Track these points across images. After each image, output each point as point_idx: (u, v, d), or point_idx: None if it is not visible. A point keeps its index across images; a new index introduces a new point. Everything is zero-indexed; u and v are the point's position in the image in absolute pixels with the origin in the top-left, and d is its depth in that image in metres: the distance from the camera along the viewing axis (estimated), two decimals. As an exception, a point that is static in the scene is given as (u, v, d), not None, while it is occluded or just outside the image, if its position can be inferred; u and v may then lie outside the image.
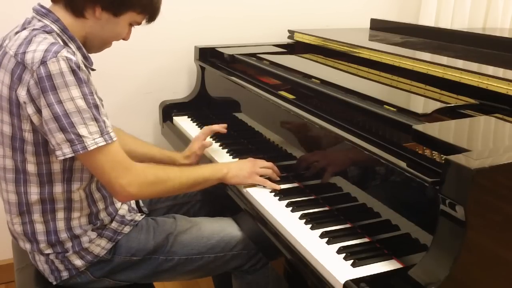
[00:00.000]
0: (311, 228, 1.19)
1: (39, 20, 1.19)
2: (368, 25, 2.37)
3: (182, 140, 1.91)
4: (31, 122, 1.13)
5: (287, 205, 1.30)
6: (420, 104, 1.34)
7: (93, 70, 1.27)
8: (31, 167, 1.18)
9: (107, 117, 1.20)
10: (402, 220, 1.07)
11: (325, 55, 1.95)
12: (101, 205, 1.30)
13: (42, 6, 1.21)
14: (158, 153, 1.62)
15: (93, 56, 1.30)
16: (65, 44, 1.18)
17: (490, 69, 1.44)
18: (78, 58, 1.15)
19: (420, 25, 2.43)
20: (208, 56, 2.10)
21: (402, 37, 2.06)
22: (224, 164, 1.45)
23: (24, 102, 1.10)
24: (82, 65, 1.13)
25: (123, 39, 1.32)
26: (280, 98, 1.54)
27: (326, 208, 1.29)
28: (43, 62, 1.07)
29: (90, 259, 1.29)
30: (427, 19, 2.52)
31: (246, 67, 1.86)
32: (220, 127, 1.68)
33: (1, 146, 1.20)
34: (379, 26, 2.30)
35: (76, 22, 1.22)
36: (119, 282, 1.36)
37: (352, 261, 1.04)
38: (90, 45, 1.27)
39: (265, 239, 1.26)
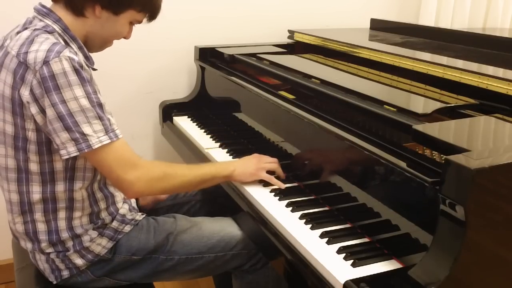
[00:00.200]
0: (311, 228, 1.19)
1: (41, 20, 1.19)
2: (368, 25, 2.37)
3: (182, 140, 1.91)
4: (35, 121, 1.13)
5: (287, 205, 1.30)
6: (420, 104, 1.34)
7: (94, 70, 1.27)
8: (33, 166, 1.19)
9: (112, 115, 1.20)
10: (402, 220, 1.07)
11: (325, 55, 1.95)
12: (102, 205, 1.31)
13: (43, 6, 1.21)
14: None
15: (93, 56, 1.30)
16: (67, 44, 1.18)
17: (490, 69, 1.44)
18: (80, 58, 1.15)
19: (420, 25, 2.43)
20: (208, 56, 2.10)
21: (402, 37, 2.06)
22: (230, 162, 1.46)
23: (28, 102, 1.11)
24: (84, 65, 1.13)
25: (124, 37, 1.32)
26: (280, 98, 1.54)
27: (326, 208, 1.29)
28: (45, 62, 1.07)
29: (90, 258, 1.29)
30: (427, 19, 2.52)
31: (246, 67, 1.86)
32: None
33: (3, 146, 1.20)
34: (379, 26, 2.30)
35: (77, 21, 1.22)
36: (119, 282, 1.36)
37: (352, 261, 1.04)
38: (91, 44, 1.27)
39: (265, 239, 1.26)
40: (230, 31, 2.25)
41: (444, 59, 1.57)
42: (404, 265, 1.03)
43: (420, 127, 1.04)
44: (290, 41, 2.23)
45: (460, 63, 1.53)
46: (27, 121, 1.14)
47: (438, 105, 1.24)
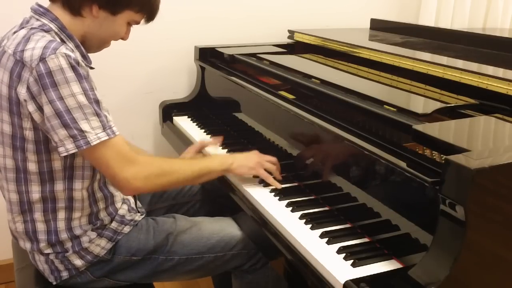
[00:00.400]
0: (311, 228, 1.19)
1: (37, 19, 1.19)
2: (368, 25, 2.37)
3: (182, 140, 1.91)
4: (32, 120, 1.13)
5: (287, 205, 1.30)
6: (420, 104, 1.34)
7: (91, 68, 1.27)
8: (32, 166, 1.18)
9: (109, 112, 1.20)
10: (402, 220, 1.07)
11: (325, 55, 1.95)
12: (101, 205, 1.30)
13: (40, 6, 1.21)
14: None
15: (93, 56, 1.30)
16: (63, 42, 1.18)
17: (490, 69, 1.44)
18: (76, 55, 1.15)
19: (420, 25, 2.43)
20: (208, 56, 2.10)
21: (402, 37, 2.06)
22: (229, 155, 1.45)
23: (25, 100, 1.11)
24: (81, 62, 1.13)
25: (122, 38, 1.32)
26: (280, 98, 1.54)
27: (326, 208, 1.29)
28: (42, 59, 1.07)
29: (90, 259, 1.29)
30: (427, 19, 2.52)
31: (246, 67, 1.86)
32: (212, 141, 1.67)
33: (1, 146, 1.20)
34: (379, 26, 2.30)
35: (74, 21, 1.22)
36: (119, 282, 1.36)
37: (352, 261, 1.04)
38: (88, 44, 1.27)
39: (265, 239, 1.26)
40: (230, 31, 2.25)
41: (444, 59, 1.57)
42: (404, 265, 1.03)
43: (420, 127, 1.04)
44: (290, 41, 2.23)
45: (460, 63, 1.53)
46: (24, 120, 1.14)
47: (438, 105, 1.24)
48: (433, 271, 0.90)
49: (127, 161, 1.17)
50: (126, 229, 1.34)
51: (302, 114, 1.40)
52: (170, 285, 2.19)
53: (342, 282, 0.98)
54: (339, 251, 1.08)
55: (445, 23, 2.56)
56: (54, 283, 1.32)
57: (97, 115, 1.12)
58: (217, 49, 2.04)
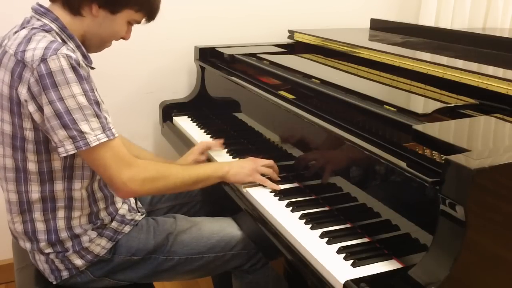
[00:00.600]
0: (311, 228, 1.19)
1: (38, 19, 1.19)
2: (368, 25, 2.37)
3: (182, 140, 1.91)
4: (32, 120, 1.13)
5: (287, 205, 1.30)
6: (420, 104, 1.34)
7: (92, 68, 1.27)
8: (31, 166, 1.19)
9: (108, 114, 1.20)
10: (402, 220, 1.07)
11: (325, 55, 1.95)
12: (101, 205, 1.30)
13: (40, 5, 1.21)
14: (150, 159, 1.61)
15: (93, 56, 1.30)
16: (64, 42, 1.18)
17: (490, 69, 1.44)
18: (77, 56, 1.15)
19: (420, 25, 2.43)
20: (208, 56, 2.10)
21: (402, 37, 2.06)
22: (226, 162, 1.46)
23: (25, 100, 1.11)
24: (81, 62, 1.13)
25: (123, 38, 1.32)
26: (280, 98, 1.54)
27: (326, 208, 1.29)
28: (43, 59, 1.08)
29: (90, 258, 1.29)
30: (427, 19, 2.52)
31: (246, 67, 1.86)
32: (217, 143, 1.67)
33: (1, 146, 1.20)
34: (379, 26, 2.30)
35: (74, 21, 1.22)
36: (119, 282, 1.36)
37: (352, 261, 1.04)
38: (89, 44, 1.27)
39: (265, 239, 1.26)
40: (230, 31, 2.25)
41: (444, 59, 1.57)
42: (404, 265, 1.03)
43: (420, 127, 1.04)
44: (290, 41, 2.23)
45: (460, 63, 1.53)
46: (25, 120, 1.14)
47: (438, 105, 1.24)
48: (433, 271, 0.90)
49: (124, 163, 1.17)
50: (127, 228, 1.34)
51: (302, 114, 1.40)
52: (170, 285, 2.19)
53: (342, 282, 0.98)
54: (339, 251, 1.08)
55: (445, 23, 2.56)
56: (54, 282, 1.32)
57: (97, 116, 1.12)
58: (217, 49, 2.04)
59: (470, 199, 0.85)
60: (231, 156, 1.64)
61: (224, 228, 1.42)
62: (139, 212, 1.42)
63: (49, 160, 1.19)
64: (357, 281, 0.97)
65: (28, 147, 1.17)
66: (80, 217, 1.27)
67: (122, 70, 2.11)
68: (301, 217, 1.24)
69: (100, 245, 1.30)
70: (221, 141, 1.68)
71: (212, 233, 1.40)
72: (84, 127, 1.10)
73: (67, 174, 1.22)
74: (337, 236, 1.14)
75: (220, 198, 1.56)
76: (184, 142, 1.88)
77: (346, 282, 0.98)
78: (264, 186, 1.39)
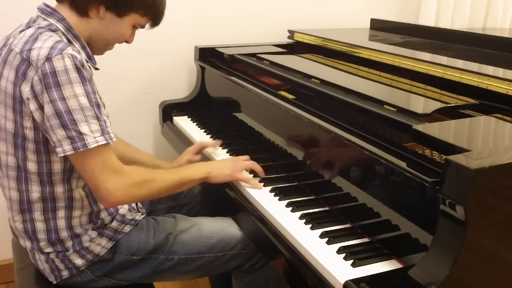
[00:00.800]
0: (311, 228, 1.19)
1: (44, 19, 1.20)
2: (368, 25, 2.37)
3: (182, 140, 1.91)
4: (33, 119, 1.13)
5: (287, 205, 1.30)
6: (420, 104, 1.34)
7: (97, 69, 1.28)
8: (31, 165, 1.19)
9: (108, 118, 1.20)
10: (402, 220, 1.07)
11: (325, 55, 1.95)
12: (102, 204, 1.30)
13: (47, 5, 1.22)
14: (147, 161, 1.63)
15: (94, 56, 1.30)
16: (70, 43, 1.18)
17: (490, 69, 1.44)
18: (82, 57, 1.15)
19: (420, 25, 2.43)
20: (208, 56, 2.10)
21: (402, 37, 2.06)
22: (208, 163, 1.45)
23: (27, 98, 1.11)
24: (86, 64, 1.13)
25: (126, 42, 1.33)
26: (280, 98, 1.54)
27: (326, 208, 1.29)
28: (48, 58, 1.08)
29: (90, 258, 1.29)
30: (427, 19, 2.52)
31: (246, 67, 1.86)
32: (214, 143, 1.68)
33: (4, 143, 1.20)
34: (379, 26, 2.30)
35: (81, 22, 1.22)
36: (119, 282, 1.36)
37: (352, 261, 1.04)
38: (93, 45, 1.27)
39: (265, 239, 1.26)
40: (230, 31, 2.26)
41: (444, 59, 1.57)
42: (404, 265, 1.03)
43: (420, 127, 1.04)
44: (290, 41, 2.23)
45: (460, 63, 1.53)
46: (25, 119, 1.14)
47: (438, 105, 1.24)
48: (433, 271, 0.90)
49: (112, 171, 1.15)
50: (127, 228, 1.34)
51: (302, 114, 1.40)
52: (170, 285, 2.19)
53: (342, 282, 0.98)
54: (339, 251, 1.08)
55: (445, 23, 2.56)
56: (54, 282, 1.32)
57: (97, 118, 1.12)
58: (217, 49, 2.04)
59: (470, 199, 0.85)
60: (231, 156, 1.64)
61: (224, 228, 1.42)
62: (139, 212, 1.42)
63: (48, 162, 1.19)
64: (357, 281, 0.97)
65: (28, 146, 1.17)
66: (81, 216, 1.27)
67: (122, 70, 2.11)
68: (301, 217, 1.24)
69: (100, 245, 1.30)
70: (219, 141, 1.68)
71: (212, 233, 1.40)
72: (83, 128, 1.10)
73: (67, 177, 1.22)
74: (337, 236, 1.14)
75: (220, 198, 1.56)
76: (184, 142, 1.88)
77: (346, 282, 0.98)
78: (264, 186, 1.39)
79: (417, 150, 1.11)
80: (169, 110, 2.10)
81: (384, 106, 1.25)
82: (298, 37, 2.18)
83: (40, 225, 1.25)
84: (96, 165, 1.13)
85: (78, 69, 1.10)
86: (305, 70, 1.64)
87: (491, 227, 0.91)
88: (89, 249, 1.29)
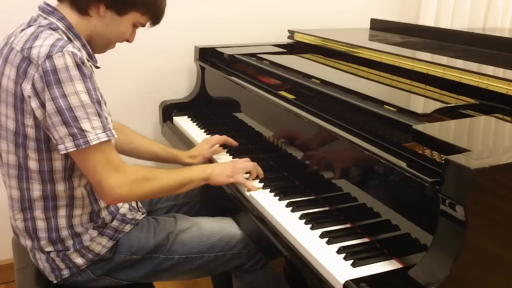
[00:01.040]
0: (311, 228, 1.19)
1: (45, 18, 1.20)
2: (368, 25, 2.37)
3: (182, 140, 1.91)
4: (34, 117, 1.13)
5: (287, 205, 1.30)
6: (420, 104, 1.34)
7: (97, 68, 1.28)
8: (32, 164, 1.19)
9: (110, 115, 1.20)
10: (402, 220, 1.07)
11: (325, 55, 1.95)
12: (102, 203, 1.31)
13: (48, 4, 1.22)
14: (162, 151, 1.62)
15: (94, 56, 1.30)
16: (70, 41, 1.18)
17: (490, 69, 1.44)
18: (83, 55, 1.15)
19: (420, 25, 2.43)
20: (208, 56, 2.10)
21: (402, 37, 2.06)
22: (208, 165, 1.46)
23: (29, 96, 1.11)
24: (86, 61, 1.14)
25: (127, 41, 1.33)
26: (280, 98, 1.54)
27: (326, 208, 1.29)
28: (48, 56, 1.08)
29: (90, 257, 1.29)
30: (427, 19, 2.52)
31: (246, 67, 1.86)
32: (233, 142, 1.68)
33: (5, 141, 1.21)
34: (379, 26, 2.30)
35: (81, 20, 1.23)
36: (119, 281, 1.36)
37: (352, 261, 1.04)
38: (94, 44, 1.27)
39: (265, 239, 1.26)
40: (230, 31, 2.26)
41: (444, 59, 1.57)
42: (404, 265, 1.03)
43: (420, 127, 1.04)
44: (290, 41, 2.23)
45: (460, 63, 1.53)
46: (27, 117, 1.14)
47: (438, 105, 1.24)
48: (433, 271, 0.90)
49: (114, 168, 1.15)
50: (127, 227, 1.34)
51: (302, 114, 1.40)
52: (170, 285, 2.19)
53: (342, 282, 0.98)
54: (339, 251, 1.08)
55: (445, 23, 2.56)
56: (55, 281, 1.32)
57: (99, 115, 1.13)
58: (217, 49, 2.04)
59: (470, 199, 0.85)
60: (231, 156, 1.64)
61: (224, 228, 1.42)
62: (139, 211, 1.42)
63: (50, 160, 1.19)
64: (357, 281, 0.97)
65: (29, 145, 1.17)
66: (81, 215, 1.27)
67: (122, 69, 2.11)
68: (301, 217, 1.24)
69: (100, 244, 1.30)
70: (236, 143, 1.69)
71: (212, 233, 1.40)
72: (85, 125, 1.10)
73: (68, 175, 1.22)
74: (337, 236, 1.14)
75: (220, 198, 1.56)
76: (184, 142, 1.88)
77: (346, 282, 0.98)
78: (264, 186, 1.40)
79: (417, 150, 1.11)
80: (169, 110, 2.10)
81: (384, 106, 1.25)
82: (298, 37, 2.18)
83: (40, 224, 1.25)
84: (98, 161, 1.14)
85: (79, 66, 1.10)
86: (305, 70, 1.64)
87: (491, 227, 0.91)
88: (90, 248, 1.29)
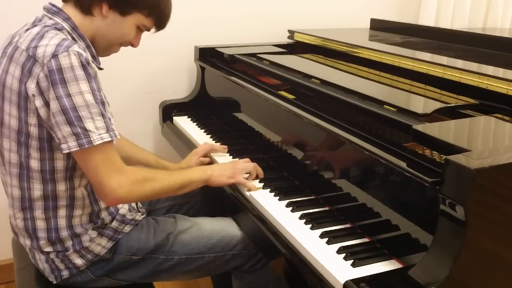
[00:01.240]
0: (311, 228, 1.19)
1: (50, 18, 1.21)
2: (368, 25, 2.37)
3: (182, 140, 1.91)
4: (38, 116, 1.13)
5: (287, 205, 1.30)
6: (420, 104, 1.34)
7: (101, 69, 1.28)
8: (34, 163, 1.19)
9: (112, 115, 1.20)
10: (402, 220, 1.07)
11: (325, 55, 1.95)
12: (102, 204, 1.31)
13: (53, 5, 1.23)
14: (153, 161, 1.62)
15: (94, 56, 1.30)
16: (75, 41, 1.19)
17: (490, 69, 1.44)
18: (87, 56, 1.15)
19: (420, 25, 2.43)
20: (208, 56, 2.10)
21: (402, 37, 2.06)
22: (208, 166, 1.46)
23: (33, 95, 1.11)
24: (91, 62, 1.14)
25: (132, 45, 1.33)
26: (280, 98, 1.54)
27: (326, 208, 1.29)
28: (54, 55, 1.08)
29: (90, 258, 1.29)
30: (427, 19, 2.52)
31: (246, 67, 1.86)
32: (221, 148, 1.67)
33: (7, 140, 1.21)
34: (379, 26, 2.30)
35: (85, 21, 1.23)
36: (119, 282, 1.36)
37: (352, 261, 1.04)
38: (97, 45, 1.28)
39: (265, 239, 1.26)
40: (230, 31, 2.26)
41: (444, 59, 1.57)
42: (404, 265, 1.03)
43: (420, 127, 1.04)
44: (290, 41, 2.23)
45: (460, 63, 1.53)
46: (30, 116, 1.14)
47: (438, 105, 1.24)
48: (433, 271, 0.90)
49: (115, 168, 1.16)
50: (127, 228, 1.34)
51: (302, 114, 1.40)
52: (170, 285, 2.19)
53: (342, 282, 0.98)
54: (339, 251, 1.08)
55: (445, 23, 2.56)
56: (54, 282, 1.32)
57: (102, 115, 1.13)
58: (217, 49, 2.04)
59: (470, 199, 0.85)
60: (231, 156, 1.64)
61: (224, 228, 1.42)
62: (139, 212, 1.42)
63: (51, 159, 1.19)
64: (357, 281, 0.97)
65: (31, 144, 1.17)
66: (81, 216, 1.27)
67: (122, 70, 2.11)
68: (301, 217, 1.24)
69: (100, 245, 1.30)
70: (225, 147, 1.68)
71: (212, 233, 1.40)
72: (89, 125, 1.10)
73: (69, 175, 1.22)
74: (337, 236, 1.14)
75: (220, 198, 1.56)
76: (184, 142, 1.88)
77: (346, 282, 0.98)
78: (264, 186, 1.40)
79: (417, 150, 1.11)
80: (169, 110, 2.10)
81: (384, 106, 1.25)
82: (298, 37, 2.18)
83: (40, 223, 1.25)
84: (100, 161, 1.14)
85: (84, 66, 1.10)
86: (305, 70, 1.64)
87: (491, 227, 0.91)
88: (89, 249, 1.29)
